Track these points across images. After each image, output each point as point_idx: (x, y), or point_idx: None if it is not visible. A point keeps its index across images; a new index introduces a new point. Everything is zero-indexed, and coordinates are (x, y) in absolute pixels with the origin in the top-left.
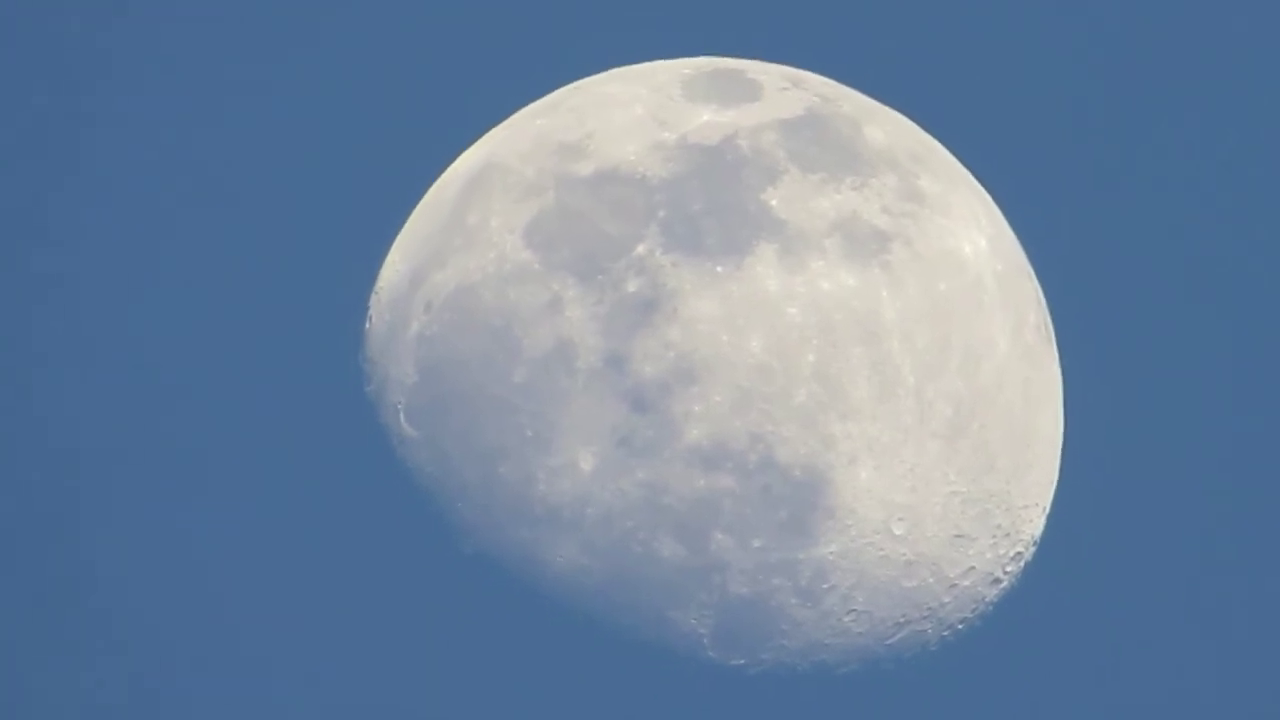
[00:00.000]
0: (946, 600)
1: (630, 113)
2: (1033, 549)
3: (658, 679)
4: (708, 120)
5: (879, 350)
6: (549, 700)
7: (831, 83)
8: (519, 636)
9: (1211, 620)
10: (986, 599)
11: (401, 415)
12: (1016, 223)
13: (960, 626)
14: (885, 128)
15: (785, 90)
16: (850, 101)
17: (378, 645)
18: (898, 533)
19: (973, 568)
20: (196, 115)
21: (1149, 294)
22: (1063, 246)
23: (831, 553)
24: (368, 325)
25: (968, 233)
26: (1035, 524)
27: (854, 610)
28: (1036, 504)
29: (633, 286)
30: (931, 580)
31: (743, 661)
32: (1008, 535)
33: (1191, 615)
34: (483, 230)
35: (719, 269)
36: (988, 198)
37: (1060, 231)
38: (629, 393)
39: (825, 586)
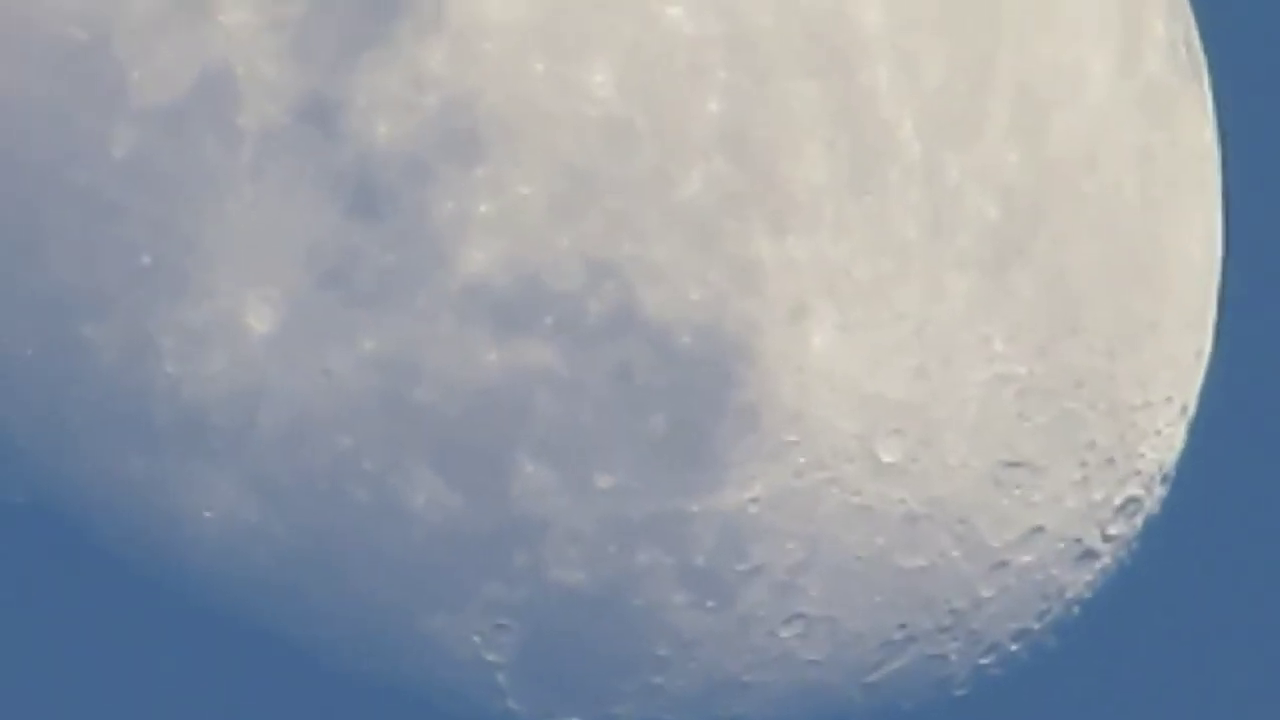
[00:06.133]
0: (986, 595)
1: None
2: (1161, 491)
3: None
4: None
5: (849, 86)
6: None
7: None
8: (130, 665)
9: None
10: (1066, 593)
11: None
12: None
13: (1014, 649)
14: None
15: None
16: None
17: None
18: (888, 460)
19: (1040, 528)
20: None
21: None
22: None
23: (754, 500)
24: None
25: None
26: (1166, 439)
27: (801, 616)
28: (1169, 399)
29: None
30: (957, 554)
31: None
32: (1110, 462)
33: None
34: None
35: None
36: None
37: None
38: (346, 177)
39: (743, 568)
